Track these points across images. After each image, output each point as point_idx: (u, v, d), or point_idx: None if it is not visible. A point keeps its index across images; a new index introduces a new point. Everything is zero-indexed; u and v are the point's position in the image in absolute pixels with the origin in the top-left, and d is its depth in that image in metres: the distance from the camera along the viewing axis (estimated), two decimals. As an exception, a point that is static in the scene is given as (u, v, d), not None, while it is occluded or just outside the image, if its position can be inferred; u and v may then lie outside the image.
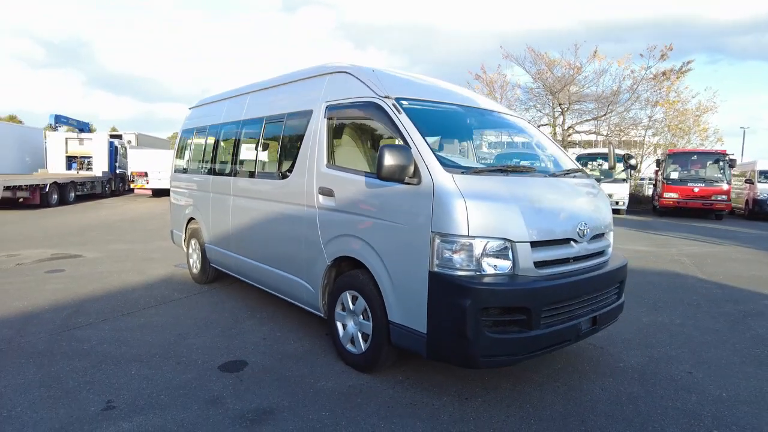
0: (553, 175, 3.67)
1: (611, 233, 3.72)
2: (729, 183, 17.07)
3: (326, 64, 4.10)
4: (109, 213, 14.86)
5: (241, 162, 5.17)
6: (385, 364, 3.44)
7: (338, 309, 3.71)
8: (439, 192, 2.87)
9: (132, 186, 20.60)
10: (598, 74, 25.14)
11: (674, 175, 17.47)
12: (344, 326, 3.68)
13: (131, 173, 20.52)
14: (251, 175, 4.89)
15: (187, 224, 6.35)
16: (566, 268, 3.16)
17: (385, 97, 3.37)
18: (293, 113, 4.34)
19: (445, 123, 3.95)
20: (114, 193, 21.66)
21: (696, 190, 16.93)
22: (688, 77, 24.89)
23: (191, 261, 6.31)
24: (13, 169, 18.96)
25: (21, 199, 14.97)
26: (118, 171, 21.84)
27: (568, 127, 27.13)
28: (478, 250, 2.81)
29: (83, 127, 21.71)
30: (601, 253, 3.53)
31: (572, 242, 3.18)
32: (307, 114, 4.09)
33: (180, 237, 6.61)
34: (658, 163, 19.41)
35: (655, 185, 20.63)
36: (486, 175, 3.15)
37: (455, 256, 2.82)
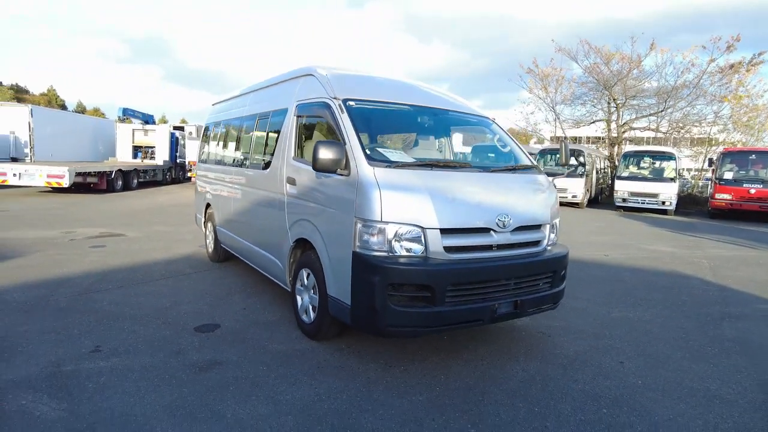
0: (489, 170, 3.94)
1: (548, 226, 3.92)
2: None
3: (300, 68, 4.59)
4: (163, 199, 16.32)
5: (241, 153, 5.80)
6: (328, 332, 3.90)
7: (298, 284, 4.21)
8: (361, 182, 3.28)
9: (189, 174, 22.29)
10: (660, 67, 23.86)
11: (728, 176, 16.41)
12: (302, 299, 4.18)
13: (189, 162, 22.21)
14: (246, 165, 5.51)
15: (206, 209, 7.12)
16: (486, 255, 3.46)
17: (334, 98, 3.81)
18: (276, 111, 4.88)
19: (390, 122, 4.32)
20: (174, 181, 23.48)
21: (752, 191, 15.80)
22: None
23: (207, 242, 7.09)
24: (87, 156, 21.22)
25: (91, 184, 16.82)
26: (178, 160, 23.65)
27: (623, 123, 25.97)
28: (390, 234, 3.20)
29: (148, 119, 23.71)
30: (533, 243, 3.78)
31: (492, 232, 3.47)
32: (284, 112, 4.62)
33: (201, 220, 7.41)
34: (710, 162, 18.24)
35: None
36: (410, 169, 3.51)
37: (372, 239, 3.23)
